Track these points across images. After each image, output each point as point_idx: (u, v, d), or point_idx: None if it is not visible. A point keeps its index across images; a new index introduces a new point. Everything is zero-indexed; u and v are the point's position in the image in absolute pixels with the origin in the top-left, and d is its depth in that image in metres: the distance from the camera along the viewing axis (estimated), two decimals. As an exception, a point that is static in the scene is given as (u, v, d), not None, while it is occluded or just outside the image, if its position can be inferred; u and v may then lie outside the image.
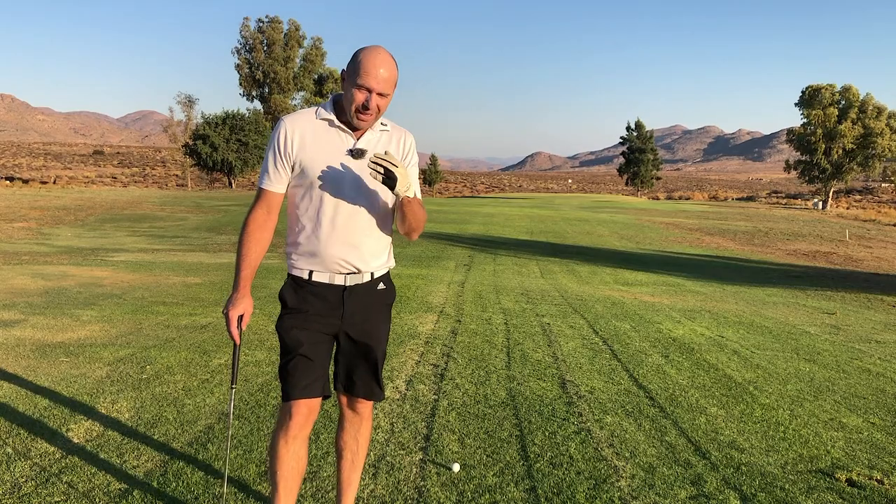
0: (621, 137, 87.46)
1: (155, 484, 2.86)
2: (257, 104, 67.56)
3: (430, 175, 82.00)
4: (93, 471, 2.96)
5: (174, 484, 2.87)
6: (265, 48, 66.04)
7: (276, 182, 2.25)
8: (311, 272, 2.27)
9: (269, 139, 2.29)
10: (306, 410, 2.26)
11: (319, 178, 2.20)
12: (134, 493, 2.77)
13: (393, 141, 2.32)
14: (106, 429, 3.46)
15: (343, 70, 2.22)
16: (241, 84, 66.70)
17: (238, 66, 66.35)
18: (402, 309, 7.33)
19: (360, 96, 2.14)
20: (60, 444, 3.23)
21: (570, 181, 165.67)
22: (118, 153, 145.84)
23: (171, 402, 3.92)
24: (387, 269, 2.42)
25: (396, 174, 2.11)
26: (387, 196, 2.30)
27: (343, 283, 2.28)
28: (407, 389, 4.36)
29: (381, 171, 2.11)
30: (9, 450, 3.15)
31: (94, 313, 6.52)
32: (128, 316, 6.45)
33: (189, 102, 66.23)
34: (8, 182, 55.89)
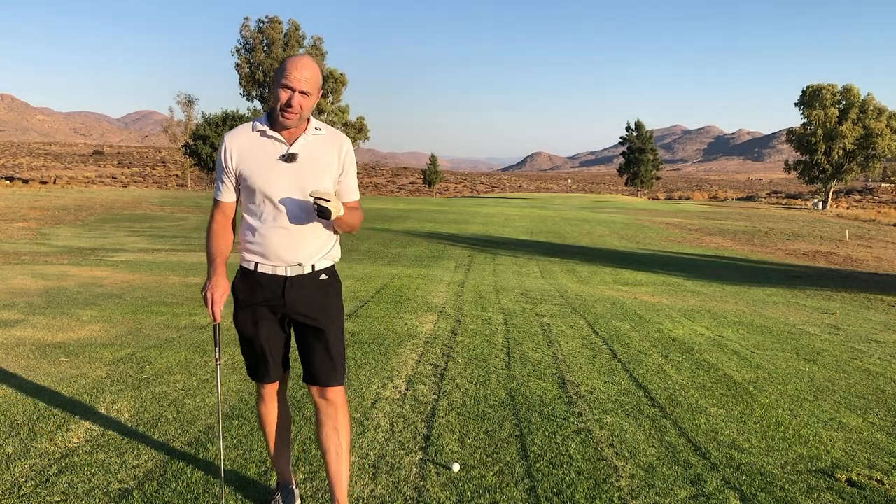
0: (621, 137, 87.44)
1: (155, 484, 2.86)
2: (257, 104, 67.54)
3: (429, 175, 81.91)
4: (93, 471, 2.96)
5: (174, 484, 2.87)
6: (265, 48, 65.99)
7: (226, 193, 2.52)
8: (256, 264, 2.51)
9: None
10: (271, 388, 2.66)
11: (257, 183, 2.42)
12: (134, 493, 2.77)
13: (328, 145, 2.50)
14: (106, 429, 3.46)
15: (271, 76, 2.41)
16: (241, 84, 66.66)
17: (238, 66, 66.30)
18: (402, 309, 7.33)
19: (283, 95, 2.35)
20: (60, 444, 3.23)
21: (569, 181, 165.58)
22: (118, 153, 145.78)
23: (171, 402, 3.92)
24: (330, 263, 2.59)
25: (330, 207, 2.33)
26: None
27: (284, 274, 2.49)
28: (407, 389, 4.36)
29: (316, 207, 2.35)
30: (9, 450, 3.15)
31: (94, 313, 6.51)
32: (128, 316, 6.45)
33: (189, 102, 66.19)
34: (8, 182, 55.87)
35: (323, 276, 2.55)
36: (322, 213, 2.34)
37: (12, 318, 6.14)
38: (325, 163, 2.47)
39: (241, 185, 2.48)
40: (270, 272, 2.48)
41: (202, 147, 59.24)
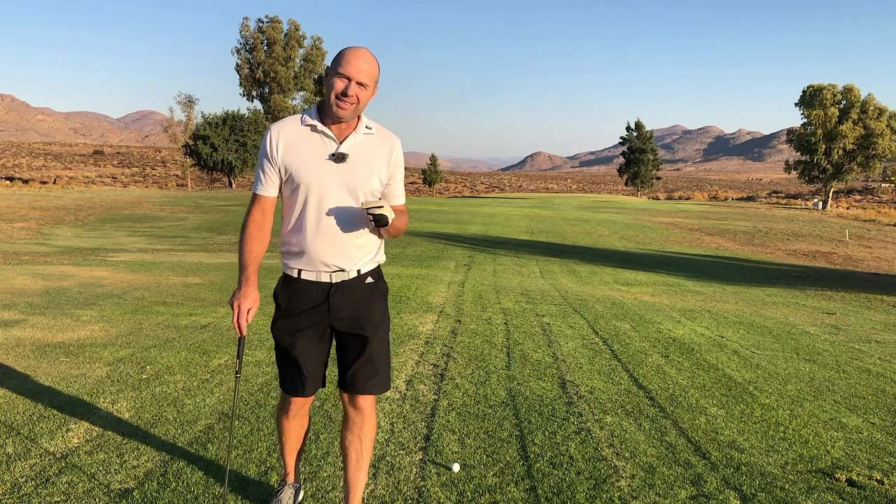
0: (621, 137, 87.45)
1: (155, 484, 2.86)
2: (258, 104, 67.55)
3: (429, 175, 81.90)
4: (93, 471, 2.96)
5: (174, 484, 2.87)
6: (265, 48, 66.01)
7: (268, 186, 2.38)
8: (300, 271, 2.40)
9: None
10: (301, 401, 2.53)
11: (304, 180, 2.31)
12: (134, 494, 2.77)
13: (378, 146, 2.39)
14: (106, 429, 3.46)
15: (327, 67, 2.33)
16: (241, 84, 66.66)
17: (238, 66, 66.31)
18: (402, 309, 7.33)
19: (339, 84, 2.24)
20: (60, 444, 3.23)
21: (568, 181, 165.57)
22: (118, 153, 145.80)
23: (171, 402, 3.92)
24: (375, 265, 2.49)
25: (385, 213, 2.24)
26: (368, 195, 2.37)
27: (329, 281, 2.38)
28: (407, 389, 4.36)
29: (371, 218, 2.25)
30: (9, 450, 3.15)
31: (94, 313, 6.51)
32: (128, 316, 6.45)
33: (189, 102, 66.24)
34: (8, 182, 55.88)
35: (369, 279, 2.44)
36: (379, 222, 2.24)
37: (12, 318, 6.13)
38: (374, 164, 2.35)
39: (286, 180, 2.34)
40: (315, 279, 2.37)
41: (202, 147, 59.27)
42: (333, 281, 2.37)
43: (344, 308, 2.39)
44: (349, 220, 2.34)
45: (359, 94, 2.24)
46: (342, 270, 2.37)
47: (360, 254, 2.40)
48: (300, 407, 2.53)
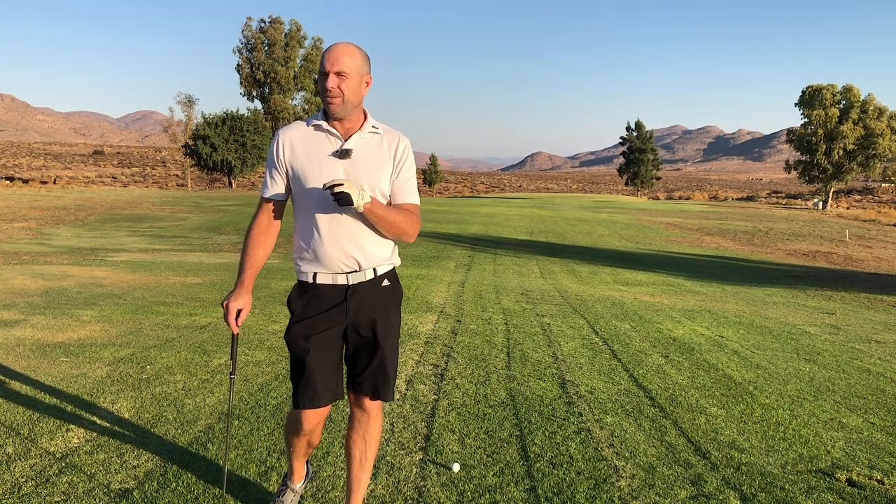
0: (621, 137, 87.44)
1: (155, 484, 2.86)
2: (258, 104, 67.58)
3: (429, 175, 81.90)
4: (93, 471, 2.96)
5: (174, 484, 2.87)
6: (266, 48, 66.04)
7: (274, 190, 2.38)
8: (315, 274, 2.36)
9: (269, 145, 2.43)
10: (314, 419, 2.43)
11: (310, 178, 2.30)
12: (134, 494, 2.77)
13: (384, 144, 2.37)
14: (106, 429, 3.46)
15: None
16: (241, 84, 66.69)
17: (239, 66, 66.34)
18: (402, 309, 7.32)
19: (321, 81, 2.27)
20: (60, 444, 3.23)
21: (568, 181, 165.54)
22: (118, 153, 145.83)
23: (171, 402, 3.92)
24: (391, 267, 2.47)
25: (346, 190, 2.11)
26: (377, 195, 2.33)
27: (346, 283, 2.36)
28: (407, 389, 4.36)
29: (333, 197, 2.15)
30: (9, 450, 3.15)
31: (94, 313, 6.51)
32: (128, 316, 6.45)
33: (189, 102, 66.26)
34: (8, 182, 55.88)
35: (385, 283, 2.43)
36: (341, 200, 2.12)
37: (12, 318, 6.13)
38: (379, 161, 2.33)
39: (293, 183, 2.35)
40: (331, 282, 2.35)
41: (202, 147, 59.27)
42: (350, 283, 2.35)
43: (361, 310, 2.37)
44: (360, 218, 2.31)
45: (340, 85, 2.23)
46: (358, 270, 2.35)
47: (376, 250, 2.37)
48: (314, 424, 2.44)
